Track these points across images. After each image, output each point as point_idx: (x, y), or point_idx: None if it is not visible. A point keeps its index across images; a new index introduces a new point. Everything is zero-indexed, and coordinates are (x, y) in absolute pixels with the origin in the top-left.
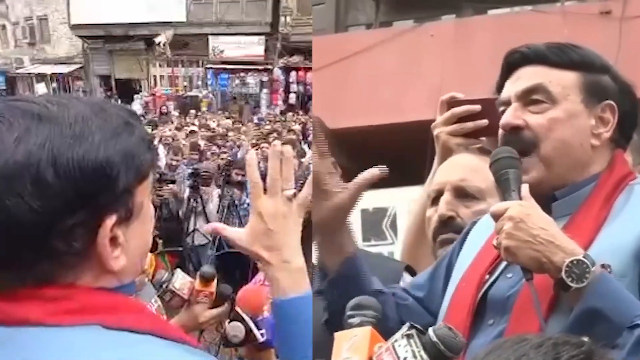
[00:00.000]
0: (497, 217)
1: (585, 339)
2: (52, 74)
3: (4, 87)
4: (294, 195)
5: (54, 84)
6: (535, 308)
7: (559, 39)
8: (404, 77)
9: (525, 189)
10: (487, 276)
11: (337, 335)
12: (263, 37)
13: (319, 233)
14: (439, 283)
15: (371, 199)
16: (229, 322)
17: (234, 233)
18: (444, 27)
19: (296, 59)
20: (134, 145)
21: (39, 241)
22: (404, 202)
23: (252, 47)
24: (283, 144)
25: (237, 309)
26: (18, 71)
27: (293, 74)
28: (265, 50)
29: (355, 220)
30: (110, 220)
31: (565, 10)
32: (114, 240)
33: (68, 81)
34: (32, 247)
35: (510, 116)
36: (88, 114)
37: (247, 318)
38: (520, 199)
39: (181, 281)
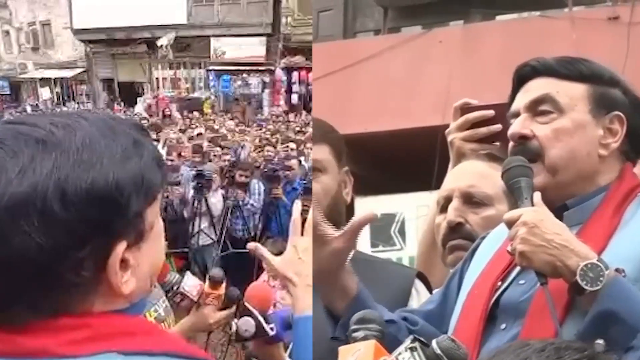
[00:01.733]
0: (510, 223)
1: (600, 341)
2: (56, 78)
3: (8, 93)
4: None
5: (58, 89)
6: (551, 312)
7: (567, 45)
8: (412, 83)
9: (537, 196)
10: (499, 283)
11: (341, 349)
12: (264, 38)
13: (322, 280)
14: (452, 300)
15: (379, 205)
16: (240, 317)
17: (269, 256)
18: (452, 33)
19: (298, 59)
20: (144, 167)
21: (48, 276)
22: (412, 208)
23: (254, 48)
24: (284, 143)
25: (246, 304)
26: (22, 76)
27: (295, 74)
28: (267, 51)
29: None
30: (121, 246)
31: (573, 15)
32: (123, 264)
33: (72, 85)
34: (41, 282)
35: (518, 126)
36: (95, 136)
37: (256, 313)
38: (533, 206)
39: (191, 283)
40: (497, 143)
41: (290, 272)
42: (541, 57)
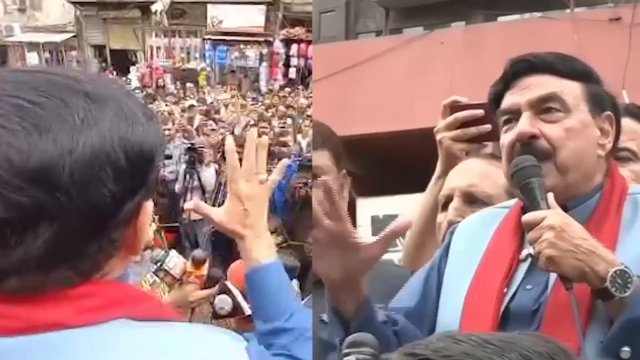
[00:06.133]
0: (531, 226)
1: (627, 348)
2: (44, 43)
3: None
4: (266, 179)
5: (47, 54)
6: (575, 319)
7: (569, 46)
8: (414, 84)
9: (551, 197)
10: (505, 289)
11: None
12: (264, 7)
13: (343, 285)
14: (431, 298)
15: (381, 206)
16: (218, 295)
17: (212, 212)
18: (454, 34)
19: (298, 30)
20: (160, 129)
21: (101, 231)
22: (413, 209)
23: (252, 17)
24: (280, 117)
25: (227, 282)
26: (8, 39)
27: (294, 46)
28: (266, 21)
29: (365, 227)
30: (150, 204)
31: (574, 17)
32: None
33: (61, 51)
34: (94, 239)
35: (527, 125)
36: (122, 95)
37: (235, 291)
38: (548, 207)
39: (174, 261)
40: (487, 143)
41: (236, 225)
42: (537, 53)
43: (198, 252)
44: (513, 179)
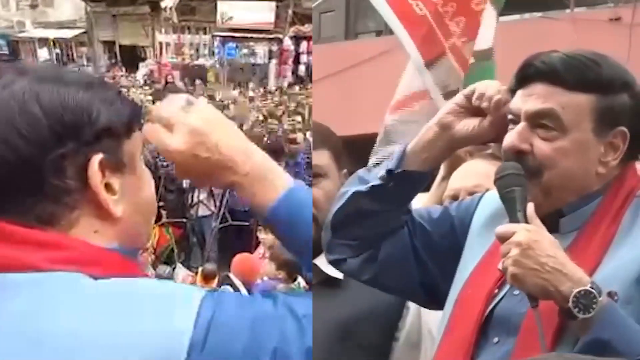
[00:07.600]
0: (503, 239)
1: None
2: (55, 38)
3: (6, 52)
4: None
5: (57, 50)
6: (539, 337)
7: (569, 46)
8: None
9: (530, 208)
10: (496, 290)
11: None
12: (273, 3)
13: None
14: (438, 228)
15: None
16: (221, 286)
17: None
18: None
19: (307, 27)
20: (110, 96)
21: (34, 176)
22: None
23: (262, 14)
24: (290, 116)
25: (230, 274)
26: (20, 35)
27: (304, 44)
28: (276, 17)
29: None
30: (96, 158)
31: (574, 16)
32: (109, 187)
33: (71, 47)
34: (29, 184)
35: (517, 139)
36: (60, 72)
37: (238, 283)
38: (526, 219)
39: (182, 276)
40: (492, 144)
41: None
42: (547, 57)
43: (209, 266)
44: (496, 184)
